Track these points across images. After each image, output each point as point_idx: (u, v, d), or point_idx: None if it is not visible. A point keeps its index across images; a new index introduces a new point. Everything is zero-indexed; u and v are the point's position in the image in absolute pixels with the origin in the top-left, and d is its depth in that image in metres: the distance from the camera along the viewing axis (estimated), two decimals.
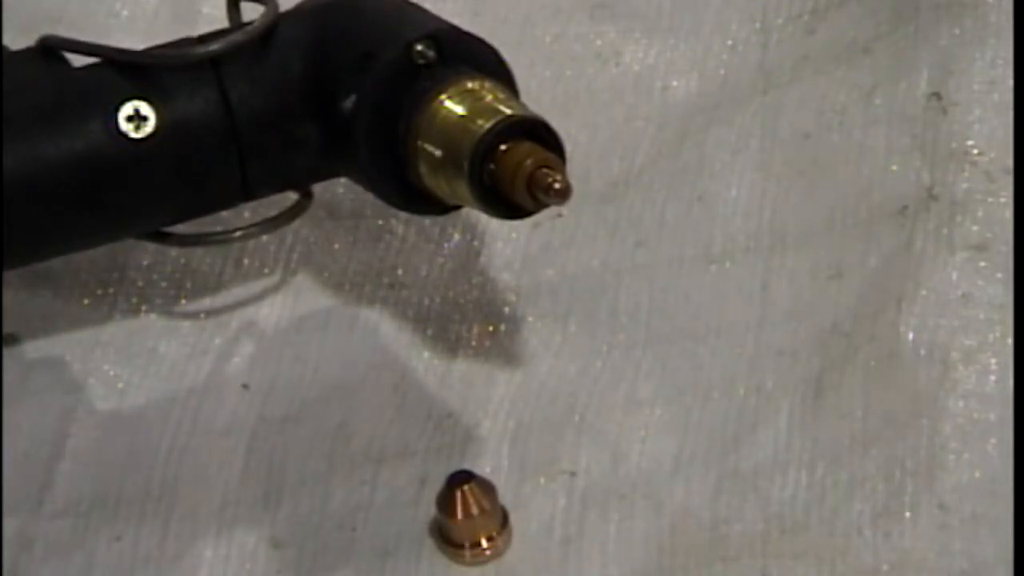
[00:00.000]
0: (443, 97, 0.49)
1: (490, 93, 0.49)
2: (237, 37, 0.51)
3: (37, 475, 0.55)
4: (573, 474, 0.53)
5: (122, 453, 0.56)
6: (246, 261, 0.60)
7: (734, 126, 0.61)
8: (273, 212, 0.55)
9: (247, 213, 0.57)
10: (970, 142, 0.57)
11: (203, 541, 0.54)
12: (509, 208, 0.49)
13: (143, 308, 0.59)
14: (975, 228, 0.55)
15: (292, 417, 0.56)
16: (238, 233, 0.55)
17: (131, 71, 0.51)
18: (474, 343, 0.57)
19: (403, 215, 0.58)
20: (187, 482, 0.55)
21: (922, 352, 0.53)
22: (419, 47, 0.50)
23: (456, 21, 0.52)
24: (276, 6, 0.53)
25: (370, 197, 0.54)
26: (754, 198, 0.59)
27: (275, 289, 0.59)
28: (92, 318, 0.59)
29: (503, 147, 0.48)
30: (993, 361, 0.53)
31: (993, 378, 0.52)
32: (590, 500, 0.53)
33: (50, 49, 0.52)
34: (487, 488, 0.52)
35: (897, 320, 0.54)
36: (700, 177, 0.60)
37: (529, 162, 0.48)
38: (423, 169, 0.50)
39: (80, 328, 0.59)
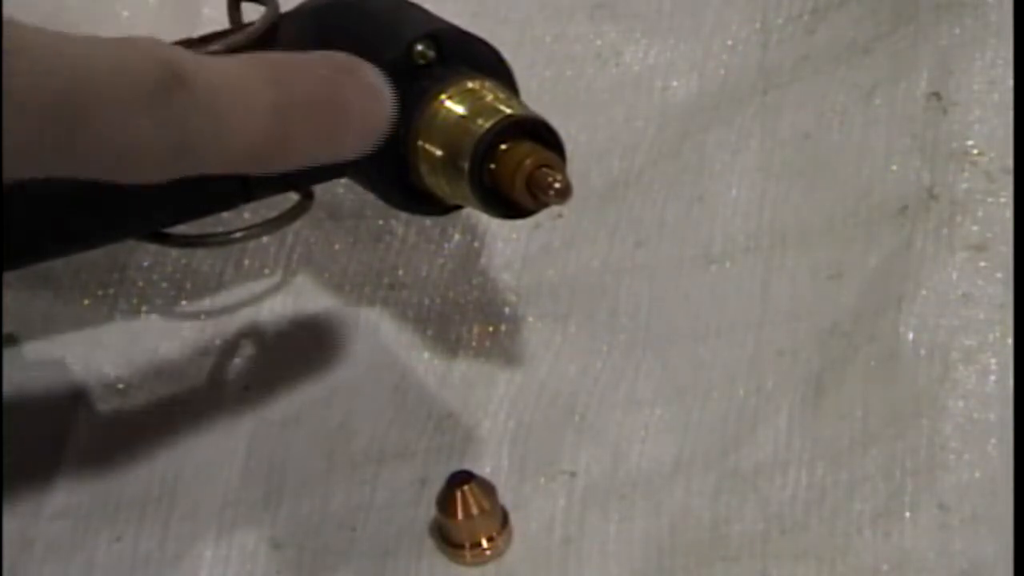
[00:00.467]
0: (443, 97, 0.49)
1: (490, 93, 0.49)
2: (238, 38, 0.51)
3: (37, 476, 0.55)
4: (573, 474, 0.53)
5: (122, 454, 0.56)
6: (247, 262, 0.60)
7: (734, 126, 0.61)
8: (274, 213, 0.55)
9: (247, 214, 0.57)
10: (970, 142, 0.57)
11: (203, 541, 0.53)
12: (509, 208, 0.49)
13: (144, 309, 0.59)
14: (975, 228, 0.55)
15: (292, 417, 0.56)
16: (239, 234, 0.55)
17: None
18: (474, 343, 0.57)
19: (403, 216, 0.58)
20: (187, 483, 0.55)
21: (922, 352, 0.53)
22: (419, 47, 0.50)
23: (456, 21, 0.52)
24: (277, 7, 0.53)
25: (370, 197, 0.54)
26: (754, 198, 0.59)
27: (276, 290, 0.59)
28: (92, 319, 0.59)
29: (503, 147, 0.48)
30: (993, 361, 0.52)
31: (993, 378, 0.52)
32: (590, 500, 0.53)
33: None
34: (487, 488, 0.52)
35: (897, 320, 0.54)
36: (700, 177, 0.60)
37: (529, 162, 0.47)
38: (423, 169, 0.50)
39: (80, 329, 0.59)
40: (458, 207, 0.52)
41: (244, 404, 0.57)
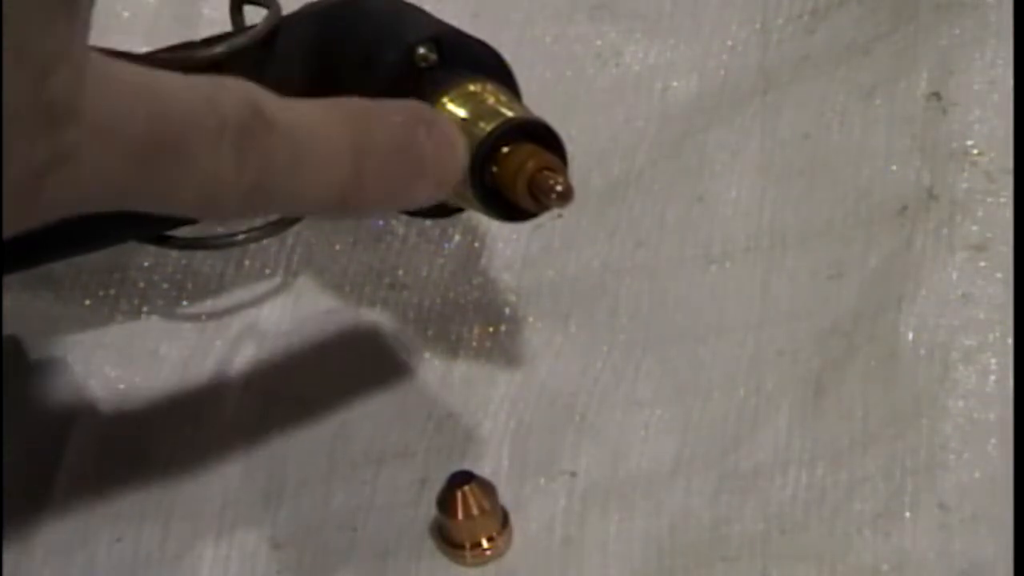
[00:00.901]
0: (445, 100, 0.49)
1: (492, 95, 0.49)
2: (240, 40, 0.51)
3: (38, 476, 0.55)
4: (573, 474, 0.53)
5: (123, 454, 0.56)
6: (247, 262, 0.60)
7: (734, 126, 0.61)
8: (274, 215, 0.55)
9: None
10: (970, 142, 0.57)
11: (204, 542, 0.53)
12: (511, 211, 0.49)
13: (144, 310, 0.59)
14: (975, 228, 0.55)
15: (292, 418, 0.56)
16: (240, 236, 0.55)
17: None
18: (475, 344, 0.57)
19: (404, 216, 0.58)
20: (188, 483, 0.55)
21: (922, 352, 0.53)
22: (421, 50, 0.50)
23: (456, 23, 0.52)
24: (279, 9, 0.53)
25: None
26: (754, 198, 0.59)
27: (276, 290, 0.59)
28: (93, 320, 0.59)
29: (505, 150, 0.48)
30: (993, 361, 0.53)
31: (993, 378, 0.52)
32: (590, 500, 0.53)
33: None
34: (487, 488, 0.52)
35: (897, 320, 0.54)
36: (700, 177, 0.60)
37: (531, 165, 0.48)
38: None
39: (81, 330, 0.59)
40: (460, 210, 0.52)
41: (244, 404, 0.57)
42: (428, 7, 0.53)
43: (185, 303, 0.59)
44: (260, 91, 0.42)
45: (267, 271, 0.60)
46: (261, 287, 0.60)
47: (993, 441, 0.51)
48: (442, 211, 0.52)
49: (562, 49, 0.64)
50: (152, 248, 0.58)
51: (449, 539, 0.52)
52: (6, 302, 0.58)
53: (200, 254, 0.59)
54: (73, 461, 0.55)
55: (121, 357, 0.58)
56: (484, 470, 0.53)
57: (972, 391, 0.52)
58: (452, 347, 0.57)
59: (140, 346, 0.58)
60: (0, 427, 0.55)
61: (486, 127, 0.48)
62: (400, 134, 0.45)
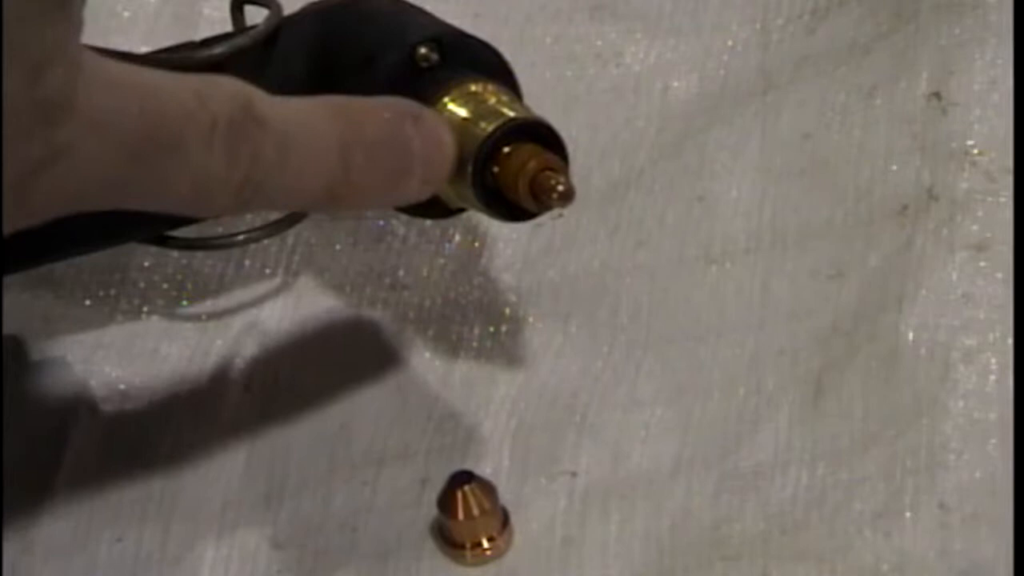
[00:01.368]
0: (446, 100, 0.49)
1: (493, 96, 0.49)
2: (241, 40, 0.51)
3: (38, 476, 0.55)
4: (574, 474, 0.53)
5: (123, 454, 0.56)
6: (247, 263, 0.60)
7: (734, 127, 0.61)
8: (275, 216, 0.55)
9: (249, 216, 0.57)
10: (970, 142, 0.57)
11: (204, 542, 0.53)
12: (512, 211, 0.49)
13: (145, 310, 0.59)
14: (975, 228, 0.55)
15: (293, 418, 0.56)
16: (240, 236, 0.55)
17: None
18: (475, 344, 0.57)
19: (404, 216, 0.58)
20: (188, 483, 0.55)
21: (922, 352, 0.53)
22: (422, 50, 0.50)
23: (457, 23, 0.52)
24: (280, 9, 0.53)
25: None
26: (754, 198, 0.59)
27: (276, 290, 0.59)
28: (93, 319, 0.59)
29: (506, 150, 0.48)
30: (993, 361, 0.53)
31: (993, 378, 0.52)
32: (591, 500, 0.53)
33: None
34: (488, 488, 0.52)
35: (897, 320, 0.54)
36: (700, 177, 0.60)
37: (532, 165, 0.48)
38: None
39: (81, 330, 0.59)
40: (461, 210, 0.52)
41: (245, 404, 0.57)
42: (429, 7, 0.53)
43: (185, 303, 0.59)
44: (250, 88, 0.43)
45: (267, 271, 0.60)
46: (261, 287, 0.60)
47: (993, 441, 0.51)
48: (443, 211, 0.52)
49: (562, 49, 0.64)
50: (152, 248, 0.58)
51: (449, 539, 0.52)
52: (6, 302, 0.58)
53: (200, 254, 0.59)
54: (73, 461, 0.55)
55: (121, 357, 0.58)
56: (484, 470, 0.53)
57: (972, 391, 0.52)
58: (453, 347, 0.57)
59: (140, 346, 0.58)
60: (0, 427, 0.55)
61: (487, 127, 0.48)
62: (387, 129, 0.46)
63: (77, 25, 0.39)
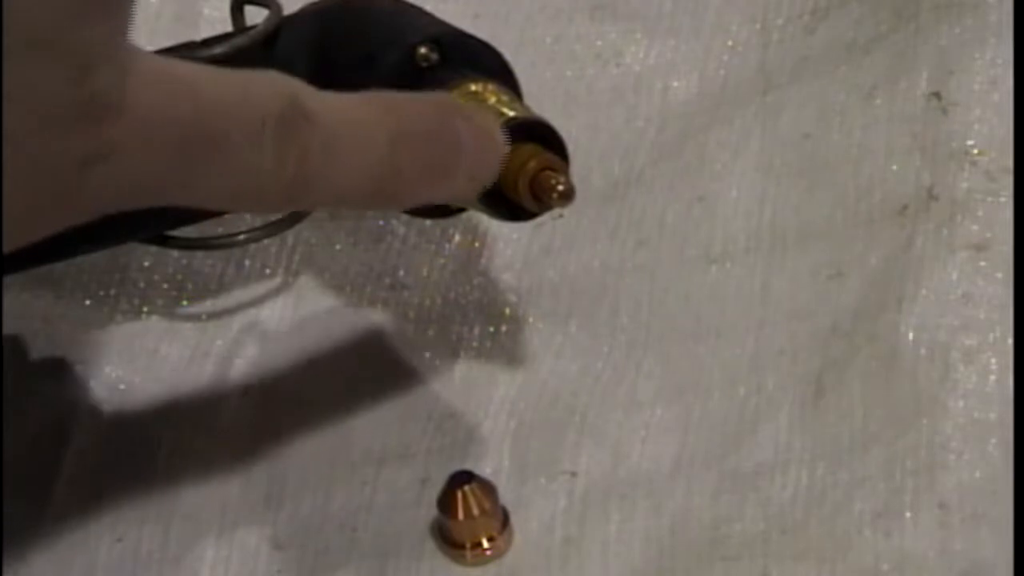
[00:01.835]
0: None
1: (493, 95, 0.49)
2: (241, 40, 0.51)
3: (38, 477, 0.55)
4: (574, 474, 0.53)
5: (123, 454, 0.56)
6: (247, 263, 0.60)
7: (735, 126, 0.61)
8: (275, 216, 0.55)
9: (249, 216, 0.57)
10: (970, 142, 0.57)
11: (204, 542, 0.54)
12: (513, 211, 0.49)
13: (144, 310, 0.59)
14: (975, 228, 0.55)
15: (293, 418, 0.56)
16: (240, 236, 0.55)
17: None
18: (475, 344, 0.57)
19: (404, 216, 0.58)
20: (188, 483, 0.55)
21: (922, 352, 0.53)
22: (422, 50, 0.50)
23: (457, 23, 0.52)
24: (280, 9, 0.53)
25: None
26: (754, 198, 0.59)
27: (277, 290, 0.59)
28: (93, 319, 0.59)
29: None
30: (993, 361, 0.53)
31: (993, 378, 0.52)
32: (591, 500, 0.53)
33: None
34: (488, 488, 0.52)
35: (897, 320, 0.54)
36: (701, 177, 0.60)
37: (533, 164, 0.48)
38: None
39: (81, 330, 0.59)
40: (461, 210, 0.52)
41: (245, 405, 0.57)
42: (429, 7, 0.53)
43: (185, 303, 0.59)
44: (297, 83, 0.42)
45: (267, 271, 0.60)
46: (261, 287, 0.60)
47: (993, 441, 0.51)
48: (443, 211, 0.52)
49: (562, 49, 0.64)
50: (152, 248, 0.58)
51: (449, 539, 0.52)
52: (6, 302, 0.58)
53: (200, 254, 0.59)
54: (73, 461, 0.55)
55: (121, 357, 0.58)
56: (485, 470, 0.53)
57: (972, 391, 0.52)
58: (453, 347, 0.57)
59: (140, 346, 0.58)
60: (0, 427, 0.55)
61: None
62: (436, 122, 0.46)
63: (125, 22, 0.38)
